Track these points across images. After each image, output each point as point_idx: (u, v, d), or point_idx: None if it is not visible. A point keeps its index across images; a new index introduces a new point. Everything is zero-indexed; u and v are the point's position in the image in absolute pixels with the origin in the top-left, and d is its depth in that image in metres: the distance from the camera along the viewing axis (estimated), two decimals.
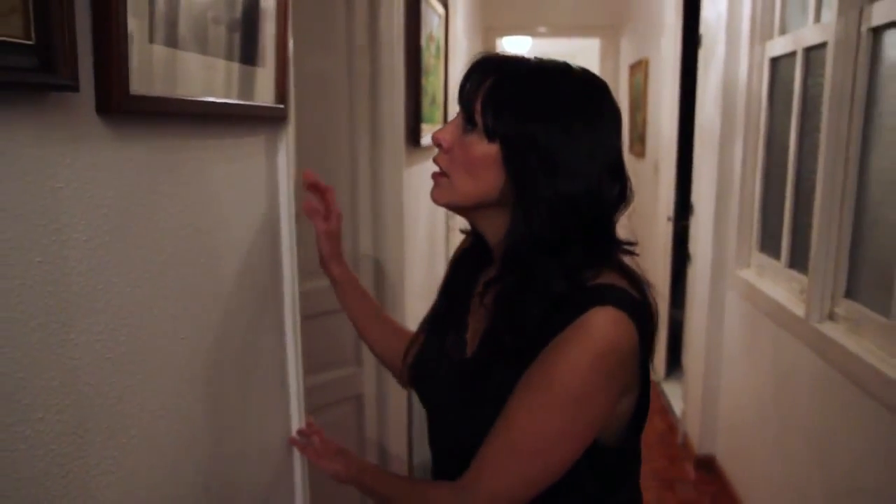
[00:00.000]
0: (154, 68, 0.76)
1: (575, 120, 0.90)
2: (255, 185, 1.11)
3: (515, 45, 7.10)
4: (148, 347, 0.81)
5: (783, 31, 2.73)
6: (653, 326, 0.93)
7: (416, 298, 2.39)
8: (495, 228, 0.97)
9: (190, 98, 0.85)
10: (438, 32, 2.82)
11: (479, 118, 0.91)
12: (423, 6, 2.39)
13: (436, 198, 0.98)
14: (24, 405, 0.61)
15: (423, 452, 2.52)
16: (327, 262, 1.27)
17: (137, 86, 0.72)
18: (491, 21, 6.07)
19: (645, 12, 5.14)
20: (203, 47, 0.88)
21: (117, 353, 0.75)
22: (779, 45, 2.71)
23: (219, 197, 0.99)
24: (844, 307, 2.10)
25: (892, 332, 1.79)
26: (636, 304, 0.90)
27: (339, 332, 2.04)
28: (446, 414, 1.04)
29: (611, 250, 0.96)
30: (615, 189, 0.93)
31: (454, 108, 3.04)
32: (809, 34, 2.38)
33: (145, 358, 0.81)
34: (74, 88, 0.62)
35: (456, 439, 1.01)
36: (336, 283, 1.29)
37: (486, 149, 0.92)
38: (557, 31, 6.32)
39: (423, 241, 2.69)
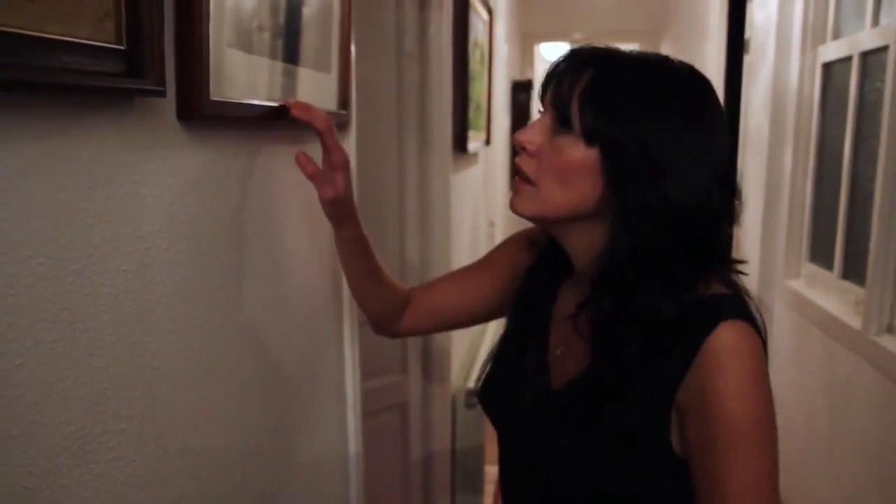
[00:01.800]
0: (230, 73, 0.75)
1: (685, 121, 0.81)
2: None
3: (552, 52, 7.06)
4: (220, 357, 0.80)
5: (836, 36, 2.66)
6: (765, 340, 0.84)
7: None
8: (584, 244, 0.88)
9: (262, 103, 0.84)
10: (483, 38, 2.80)
11: (576, 119, 0.81)
12: (471, 12, 2.37)
13: (519, 208, 0.87)
14: (108, 415, 0.60)
15: (467, 463, 2.49)
16: (337, 225, 1.01)
17: (216, 91, 0.71)
18: (528, 27, 6.05)
19: (687, 18, 5.07)
20: (273, 52, 0.87)
21: (193, 363, 0.74)
22: (832, 50, 2.65)
23: (285, 204, 0.98)
24: None
25: None
26: (752, 313, 0.82)
27: (384, 339, 2.02)
28: (531, 445, 0.92)
29: (720, 268, 0.87)
30: (724, 199, 0.84)
31: (498, 115, 3.00)
32: (867, 38, 2.32)
33: (218, 368, 0.80)
34: (162, 94, 0.61)
35: (544, 474, 0.90)
36: (342, 241, 1.04)
37: (583, 154, 0.82)
38: (595, 37, 6.22)
39: (466, 247, 2.67)
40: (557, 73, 0.84)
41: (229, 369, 0.83)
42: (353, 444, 1.30)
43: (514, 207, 0.88)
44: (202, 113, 0.69)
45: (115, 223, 0.61)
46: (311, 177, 0.94)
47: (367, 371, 1.96)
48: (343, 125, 1.14)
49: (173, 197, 0.69)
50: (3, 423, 0.50)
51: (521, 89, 5.33)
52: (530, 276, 1.04)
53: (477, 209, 2.97)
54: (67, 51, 0.53)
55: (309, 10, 0.98)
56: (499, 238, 3.84)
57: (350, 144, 1.19)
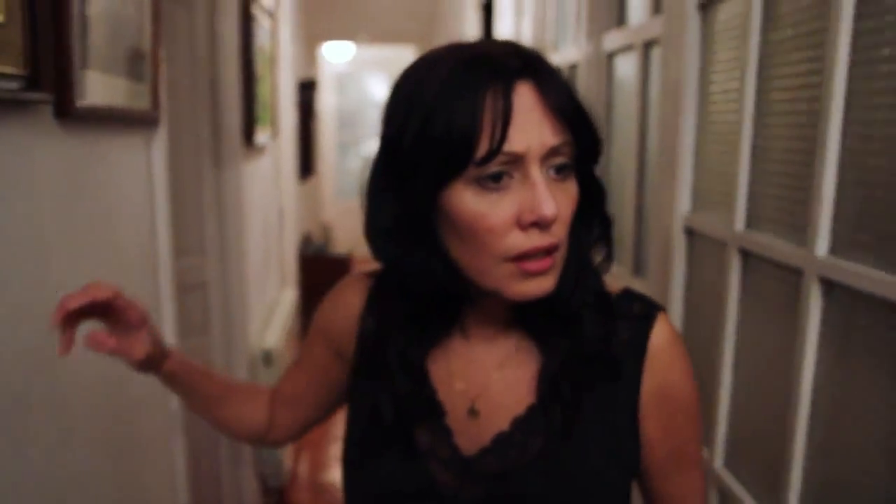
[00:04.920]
0: (87, 85, 1.10)
1: None
2: (141, 174, 1.44)
3: (337, 51, 7.47)
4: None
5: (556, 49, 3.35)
6: None
7: (255, 271, 2.75)
8: None
9: (110, 106, 1.19)
10: (267, 43, 3.15)
11: (571, 148, 0.70)
12: (254, 22, 2.73)
13: (555, 283, 0.72)
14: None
15: None
16: (156, 371, 0.92)
17: (79, 99, 1.06)
18: (314, 28, 6.42)
19: (450, 25, 5.73)
20: (111, 69, 1.22)
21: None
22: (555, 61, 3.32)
23: (121, 183, 1.32)
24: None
25: None
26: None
27: (187, 299, 2.34)
28: None
29: None
30: None
31: (285, 112, 3.40)
32: (568, 55, 3.00)
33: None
34: (51, 102, 0.97)
35: None
36: (170, 379, 0.94)
37: (576, 188, 0.73)
38: (376, 38, 6.79)
39: (259, 230, 3.01)
40: (565, 100, 0.69)
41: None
42: (176, 399, 1.63)
43: (549, 289, 0.71)
44: (72, 114, 1.04)
45: (12, 200, 0.94)
46: (115, 351, 0.85)
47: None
48: (154, 122, 1.49)
49: (54, 178, 1.04)
50: None
51: (306, 88, 5.73)
52: (371, 339, 0.86)
53: (268, 197, 3.32)
54: None
55: (135, 35, 1.32)
56: (289, 226, 4.20)
57: (162, 139, 1.54)
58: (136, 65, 1.36)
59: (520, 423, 0.78)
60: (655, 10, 2.02)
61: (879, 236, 0.94)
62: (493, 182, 0.67)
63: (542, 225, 0.67)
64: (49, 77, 0.95)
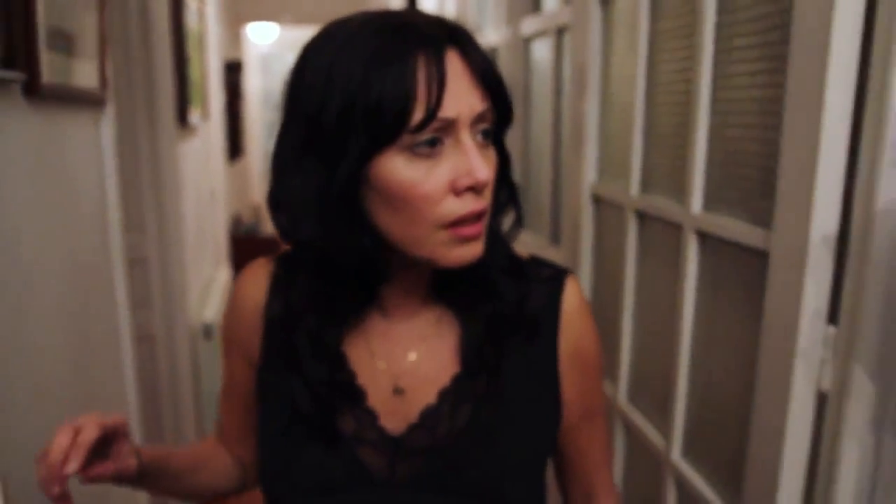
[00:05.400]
0: (49, 66, 1.20)
1: None
2: (91, 151, 1.54)
3: (262, 32, 7.45)
4: (43, 272, 1.24)
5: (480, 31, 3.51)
6: None
7: (191, 249, 2.84)
8: None
9: (66, 85, 1.29)
10: (196, 26, 3.21)
11: (492, 114, 0.72)
12: (183, 5, 2.79)
13: (482, 250, 0.73)
14: None
15: (210, 390, 2.92)
16: (141, 473, 0.80)
17: (44, 78, 1.16)
18: (238, 9, 6.40)
19: (374, 9, 5.83)
20: (67, 50, 1.31)
21: (29, 282, 1.19)
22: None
23: (76, 160, 1.41)
24: None
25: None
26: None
27: (132, 278, 2.41)
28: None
29: None
30: None
31: (214, 93, 3.47)
32: (489, 39, 3.17)
33: (43, 281, 1.23)
34: (21, 81, 1.07)
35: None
36: (144, 472, 0.81)
37: (495, 154, 0.75)
38: (300, 19, 6.80)
39: (193, 207, 3.08)
40: (486, 71, 0.70)
41: (49, 287, 1.26)
42: (129, 369, 1.74)
43: (480, 254, 0.73)
44: (38, 91, 1.14)
45: None
46: (115, 472, 0.75)
47: None
48: (102, 101, 1.58)
49: (24, 148, 1.13)
50: None
51: (232, 70, 5.75)
52: (279, 326, 0.81)
53: (201, 177, 3.39)
54: None
55: (81, 16, 1.41)
56: (220, 206, 4.25)
57: (110, 117, 1.63)
58: (84, 45, 1.45)
59: (447, 395, 0.78)
60: None
61: (741, 194, 1.14)
62: (429, 148, 0.67)
63: (476, 189, 0.68)
64: (22, 56, 1.06)
